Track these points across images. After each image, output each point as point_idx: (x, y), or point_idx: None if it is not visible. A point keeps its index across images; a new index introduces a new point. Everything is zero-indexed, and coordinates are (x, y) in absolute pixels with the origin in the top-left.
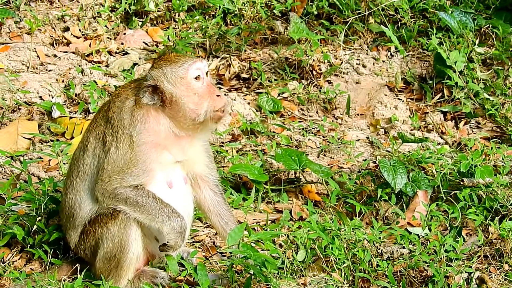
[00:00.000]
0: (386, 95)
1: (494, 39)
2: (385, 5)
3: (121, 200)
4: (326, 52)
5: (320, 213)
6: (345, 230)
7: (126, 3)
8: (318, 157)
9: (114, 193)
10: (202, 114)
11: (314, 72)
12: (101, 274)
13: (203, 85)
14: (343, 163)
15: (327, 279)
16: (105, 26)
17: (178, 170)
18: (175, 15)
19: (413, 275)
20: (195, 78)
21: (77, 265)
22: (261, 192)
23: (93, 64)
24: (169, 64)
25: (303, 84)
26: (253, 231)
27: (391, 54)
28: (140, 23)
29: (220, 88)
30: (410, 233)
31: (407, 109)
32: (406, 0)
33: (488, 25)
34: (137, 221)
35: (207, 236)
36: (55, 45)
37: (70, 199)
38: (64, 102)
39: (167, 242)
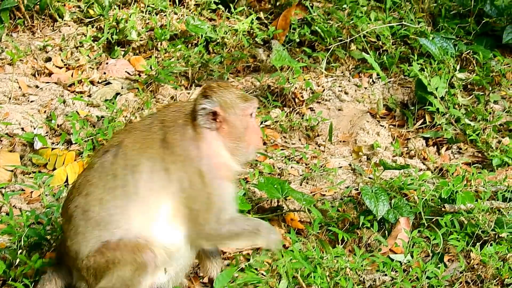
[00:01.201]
0: (368, 121)
1: (475, 65)
2: (366, 32)
3: (225, 238)
4: (308, 79)
5: (303, 241)
6: (327, 258)
7: (108, 32)
8: (301, 184)
9: (216, 233)
10: (252, 149)
11: (297, 100)
12: None
13: (252, 123)
14: (326, 191)
15: None
16: (87, 56)
17: (232, 187)
18: (157, 44)
19: None
20: (251, 114)
21: None
22: None
23: (75, 95)
24: (234, 96)
25: (285, 111)
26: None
27: (373, 81)
28: (122, 53)
29: None
30: (392, 260)
31: (389, 135)
32: (387, 27)
33: (468, 50)
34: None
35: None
36: (37, 75)
37: (109, 216)
38: (46, 133)
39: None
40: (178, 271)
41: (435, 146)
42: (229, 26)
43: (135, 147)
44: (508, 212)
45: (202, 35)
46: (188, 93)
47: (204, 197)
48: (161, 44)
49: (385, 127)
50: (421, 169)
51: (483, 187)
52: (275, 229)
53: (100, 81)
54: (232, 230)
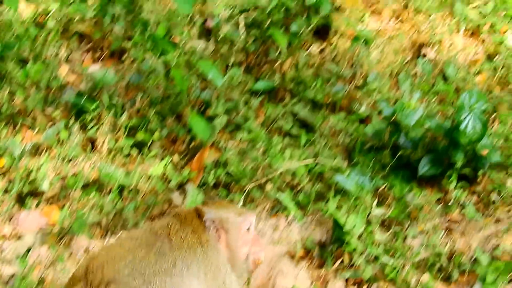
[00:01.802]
0: (286, 264)
1: (392, 199)
2: (282, 171)
3: None
4: None
5: None
6: None
7: (19, 184)
8: None
9: None
10: (248, 261)
11: None
12: None
13: (250, 236)
14: None
15: None
16: None
17: None
18: (70, 193)
19: None
20: (247, 229)
21: None
22: None
23: None
24: (230, 211)
25: None
26: None
27: (289, 221)
28: (34, 203)
29: None
30: None
31: (308, 277)
32: (302, 166)
33: (385, 185)
34: None
35: None
36: None
37: None
38: None
39: None
40: None
41: (356, 286)
42: (143, 171)
43: (179, 245)
44: None
45: (115, 182)
46: (103, 243)
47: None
48: (73, 193)
49: (303, 269)
50: None
51: None
52: None
53: (11, 235)
54: None
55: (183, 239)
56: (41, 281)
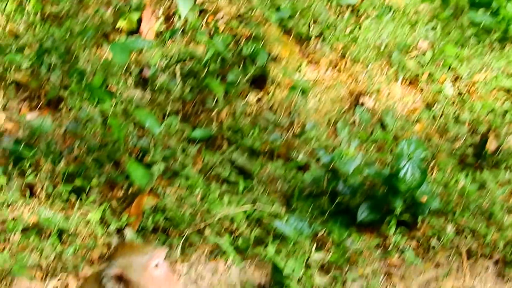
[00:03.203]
0: None
1: (331, 244)
2: (220, 217)
3: None
4: None
5: None
6: None
7: None
8: None
9: None
10: None
11: None
12: None
13: (161, 273)
14: None
15: None
16: None
17: None
18: (9, 237)
19: None
20: (155, 266)
21: None
22: None
23: None
24: (133, 254)
25: None
26: None
27: (229, 265)
28: None
29: None
30: None
31: None
32: (241, 211)
33: (324, 230)
34: None
35: None
36: None
37: None
38: None
39: None
40: None
41: None
42: (82, 216)
43: None
44: None
45: (54, 226)
46: (43, 285)
47: None
48: (13, 237)
49: None
50: None
51: None
52: None
53: None
54: None
55: None
56: None
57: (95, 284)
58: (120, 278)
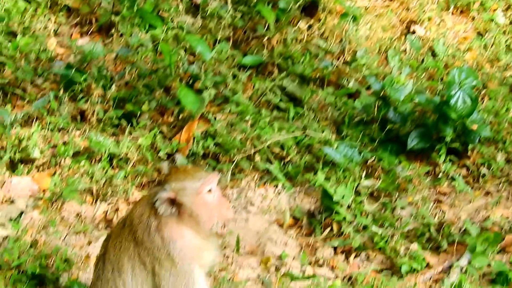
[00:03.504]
0: (275, 232)
1: (381, 172)
2: (270, 143)
3: None
4: None
5: None
6: None
7: (10, 151)
8: None
9: None
10: (215, 225)
11: None
12: None
13: (215, 198)
14: None
15: None
16: None
17: (203, 273)
18: (60, 161)
19: None
20: (208, 191)
21: None
22: None
23: None
24: (187, 179)
25: None
26: None
27: (278, 191)
28: (26, 170)
29: None
30: None
31: (297, 245)
32: (291, 137)
33: (374, 157)
34: None
35: None
36: None
37: None
38: None
39: None
40: None
41: (344, 254)
42: (132, 141)
43: (116, 251)
44: None
45: (105, 151)
46: (94, 209)
47: (173, 275)
48: (64, 161)
49: (292, 237)
50: (330, 278)
51: None
52: None
53: (4, 200)
54: None
55: (120, 243)
56: (34, 243)
57: (146, 207)
58: (172, 202)
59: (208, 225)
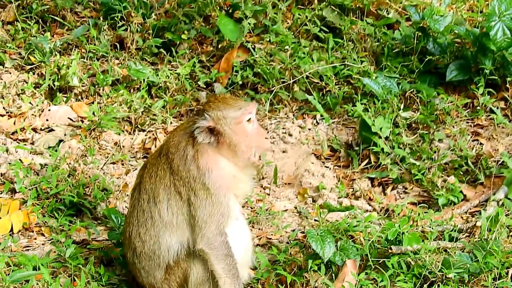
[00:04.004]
0: (313, 163)
1: (419, 103)
2: (309, 73)
3: (214, 248)
4: None
5: (251, 286)
6: None
7: (49, 79)
8: None
9: (212, 237)
10: (253, 154)
11: None
12: None
13: (254, 127)
14: (272, 234)
15: None
16: (29, 103)
17: (237, 203)
18: (99, 90)
19: None
20: (247, 120)
21: None
22: None
23: (18, 143)
24: (227, 108)
25: None
26: None
27: (316, 122)
28: (64, 99)
29: None
30: None
31: (334, 176)
32: (330, 67)
33: (412, 89)
34: None
35: None
36: None
37: (152, 245)
38: None
39: None
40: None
41: (381, 186)
42: (171, 70)
43: (152, 180)
44: (454, 252)
45: (144, 80)
46: (132, 138)
47: (209, 204)
48: (103, 90)
49: (330, 168)
50: (367, 210)
51: (429, 227)
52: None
53: (42, 128)
54: (225, 247)
55: (156, 172)
56: (72, 172)
57: (183, 136)
58: (212, 131)
59: (245, 155)
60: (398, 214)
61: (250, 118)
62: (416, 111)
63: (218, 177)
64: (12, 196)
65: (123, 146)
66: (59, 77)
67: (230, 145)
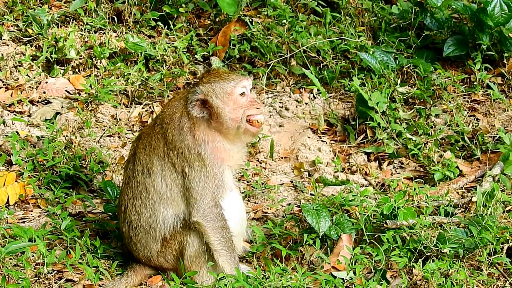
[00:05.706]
0: (309, 137)
1: (416, 78)
2: (306, 47)
3: (210, 220)
4: None
5: (247, 259)
6: (269, 277)
7: (47, 51)
8: None
9: (208, 209)
10: (240, 123)
11: None
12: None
13: (247, 101)
14: (268, 208)
15: None
16: (27, 75)
17: (231, 174)
18: (96, 62)
19: None
20: (240, 94)
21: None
22: None
23: (15, 115)
24: (218, 81)
25: None
26: None
27: (313, 96)
28: (61, 71)
29: None
30: (334, 277)
31: (330, 151)
32: (327, 42)
33: (409, 64)
34: None
35: None
36: None
37: (148, 217)
38: None
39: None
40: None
41: (377, 161)
42: (169, 43)
43: (146, 151)
44: (450, 227)
45: (141, 53)
46: (129, 111)
47: (204, 176)
48: (100, 63)
49: (326, 143)
50: (362, 185)
51: (425, 202)
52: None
53: (39, 100)
54: (221, 219)
55: (150, 142)
56: (69, 144)
57: (178, 107)
58: (204, 103)
59: (234, 124)
60: (394, 189)
61: (244, 92)
62: (413, 86)
63: (213, 149)
64: (8, 168)
65: (120, 119)
66: (56, 49)
67: (218, 116)
